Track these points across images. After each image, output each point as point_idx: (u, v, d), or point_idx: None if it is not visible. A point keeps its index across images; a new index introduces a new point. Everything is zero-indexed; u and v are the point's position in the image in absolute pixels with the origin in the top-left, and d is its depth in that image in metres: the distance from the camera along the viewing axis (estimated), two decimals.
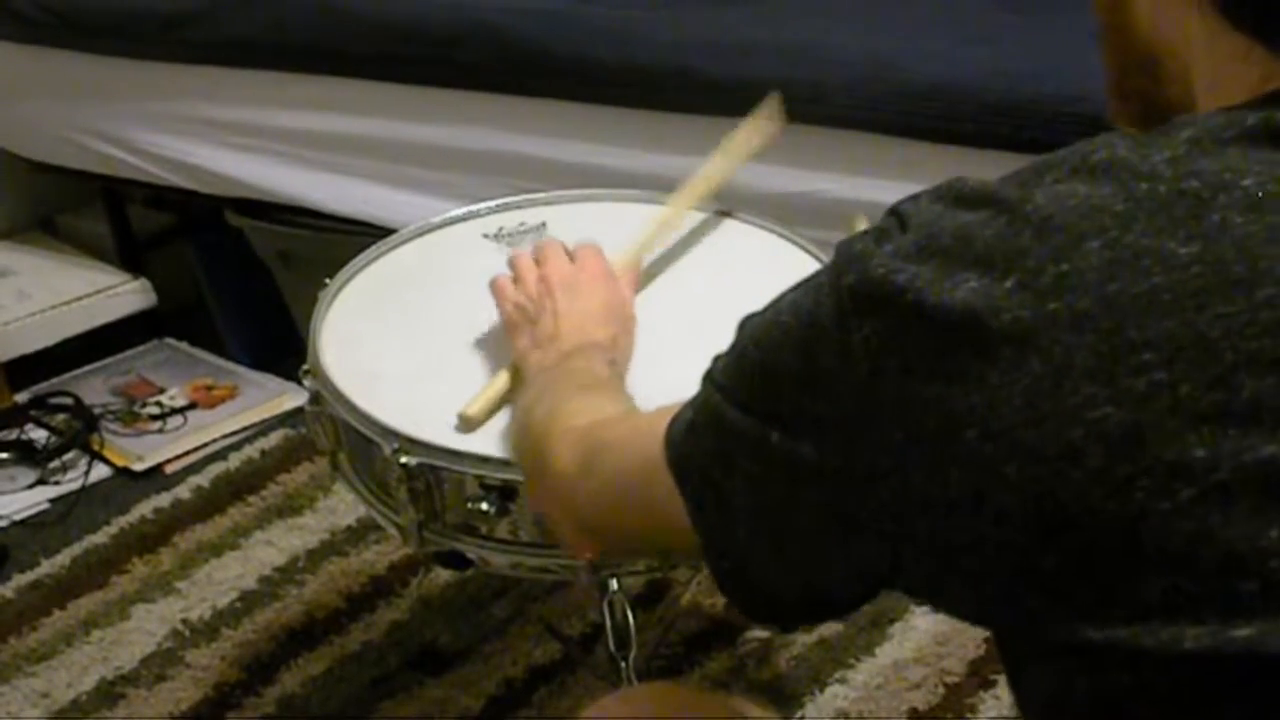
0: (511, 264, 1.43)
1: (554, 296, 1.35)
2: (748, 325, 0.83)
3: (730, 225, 1.65)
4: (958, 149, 1.83)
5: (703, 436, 0.84)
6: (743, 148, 1.62)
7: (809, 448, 0.75)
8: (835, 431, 0.74)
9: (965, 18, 2.05)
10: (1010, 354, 0.67)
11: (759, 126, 1.62)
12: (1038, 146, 1.74)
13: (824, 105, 1.90)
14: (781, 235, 1.61)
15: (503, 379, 1.35)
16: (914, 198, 0.77)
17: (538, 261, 1.41)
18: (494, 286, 1.43)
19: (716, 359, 0.85)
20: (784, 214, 1.67)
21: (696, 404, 0.85)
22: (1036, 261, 0.68)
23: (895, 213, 0.76)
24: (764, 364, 0.80)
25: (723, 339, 0.84)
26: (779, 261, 1.54)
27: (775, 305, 0.81)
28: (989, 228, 0.70)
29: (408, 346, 1.46)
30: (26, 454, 2.46)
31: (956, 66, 1.86)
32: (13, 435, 2.49)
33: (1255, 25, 0.72)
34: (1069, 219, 0.68)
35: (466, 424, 1.32)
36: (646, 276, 1.53)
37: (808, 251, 1.56)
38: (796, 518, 0.79)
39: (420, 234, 1.65)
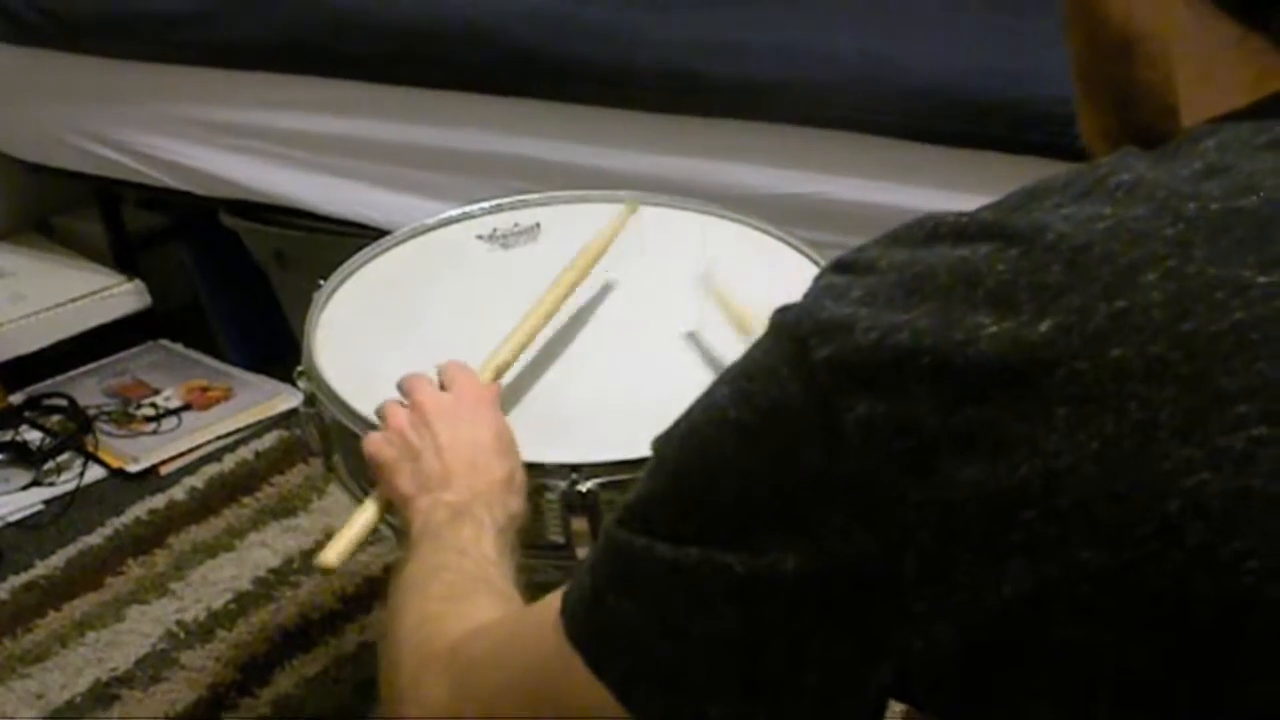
0: (379, 412, 1.20)
1: (432, 428, 1.13)
2: (667, 443, 0.70)
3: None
4: (955, 150, 1.83)
5: (621, 598, 0.69)
6: (602, 249, 1.47)
7: (793, 560, 0.62)
8: (831, 537, 0.61)
9: (962, 19, 2.05)
10: (1069, 414, 0.56)
11: (618, 228, 1.51)
12: (1035, 148, 1.76)
13: (820, 106, 1.90)
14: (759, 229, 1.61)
15: (367, 514, 1.19)
16: (858, 249, 0.66)
17: (405, 393, 1.20)
18: (364, 443, 1.19)
19: (625, 505, 0.70)
20: (780, 216, 1.67)
21: (598, 561, 0.71)
22: (1082, 299, 0.57)
23: (841, 266, 0.65)
24: (712, 479, 0.66)
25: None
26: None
27: (705, 408, 0.68)
28: (999, 261, 0.59)
29: (402, 348, 1.46)
30: (21, 455, 2.46)
31: (953, 67, 1.86)
32: (7, 436, 2.49)
33: (1244, 11, 0.65)
34: (1111, 247, 0.58)
35: (325, 571, 1.20)
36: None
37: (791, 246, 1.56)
38: (791, 661, 0.65)
39: (414, 235, 1.65)
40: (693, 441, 0.68)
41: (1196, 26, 0.67)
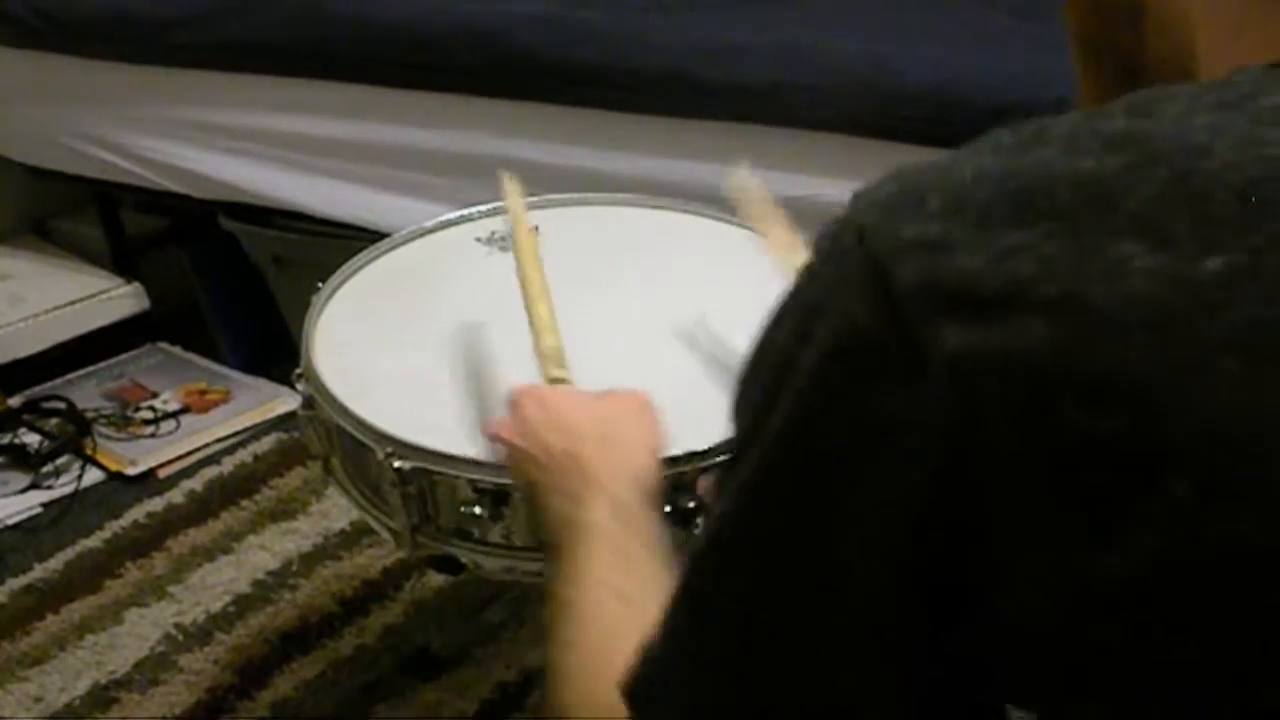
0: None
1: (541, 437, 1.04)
2: (736, 417, 0.62)
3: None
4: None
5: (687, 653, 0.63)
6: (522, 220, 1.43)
7: (863, 542, 0.55)
8: (909, 498, 0.54)
9: (961, 21, 2.06)
10: (1241, 370, 0.48)
11: (519, 205, 1.45)
12: None
13: (819, 109, 1.90)
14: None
15: None
16: (919, 164, 0.57)
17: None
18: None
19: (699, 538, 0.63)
20: None
21: (667, 615, 0.64)
22: (1263, 238, 0.49)
23: (905, 177, 0.56)
24: (793, 436, 0.57)
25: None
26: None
27: (762, 368, 0.60)
28: (1143, 182, 0.51)
29: (400, 350, 1.46)
30: (19, 458, 2.46)
31: (952, 70, 1.86)
32: (6, 439, 2.49)
33: None
34: None
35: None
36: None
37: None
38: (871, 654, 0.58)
39: (413, 238, 1.65)
40: (747, 407, 0.60)
41: None
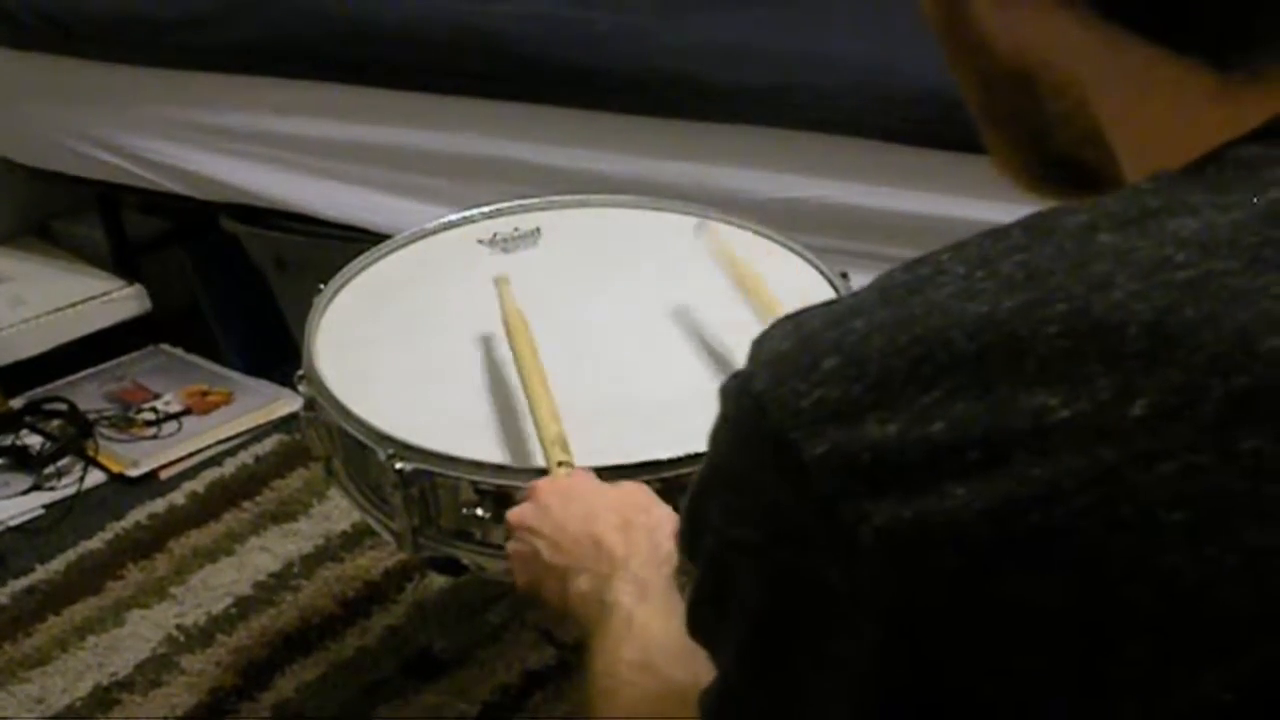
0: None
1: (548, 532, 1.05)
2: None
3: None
4: (957, 154, 1.83)
5: None
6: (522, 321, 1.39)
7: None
8: (870, 676, 0.52)
9: None
10: (1190, 520, 0.46)
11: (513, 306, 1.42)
12: None
13: (823, 110, 1.90)
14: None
15: None
16: (805, 311, 0.54)
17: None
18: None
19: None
20: (782, 220, 1.67)
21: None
22: (1185, 374, 0.46)
23: (800, 331, 0.53)
24: (758, 619, 0.56)
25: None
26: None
27: (710, 557, 0.58)
28: (1045, 321, 0.48)
29: (402, 352, 1.46)
30: (21, 460, 2.45)
31: None
32: (8, 441, 2.49)
33: (1158, 31, 0.53)
34: (1210, 307, 0.47)
35: None
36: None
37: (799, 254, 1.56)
38: None
39: (415, 239, 1.65)
40: (713, 578, 0.59)
41: (1103, 49, 0.56)
